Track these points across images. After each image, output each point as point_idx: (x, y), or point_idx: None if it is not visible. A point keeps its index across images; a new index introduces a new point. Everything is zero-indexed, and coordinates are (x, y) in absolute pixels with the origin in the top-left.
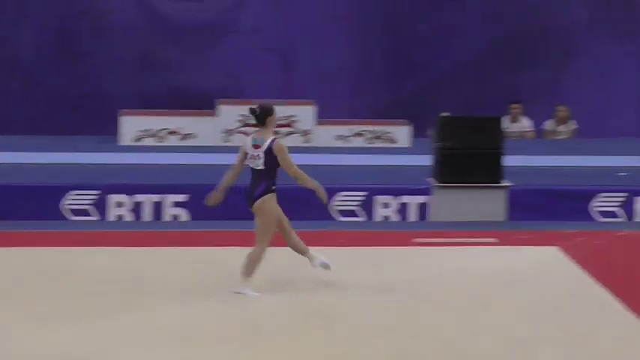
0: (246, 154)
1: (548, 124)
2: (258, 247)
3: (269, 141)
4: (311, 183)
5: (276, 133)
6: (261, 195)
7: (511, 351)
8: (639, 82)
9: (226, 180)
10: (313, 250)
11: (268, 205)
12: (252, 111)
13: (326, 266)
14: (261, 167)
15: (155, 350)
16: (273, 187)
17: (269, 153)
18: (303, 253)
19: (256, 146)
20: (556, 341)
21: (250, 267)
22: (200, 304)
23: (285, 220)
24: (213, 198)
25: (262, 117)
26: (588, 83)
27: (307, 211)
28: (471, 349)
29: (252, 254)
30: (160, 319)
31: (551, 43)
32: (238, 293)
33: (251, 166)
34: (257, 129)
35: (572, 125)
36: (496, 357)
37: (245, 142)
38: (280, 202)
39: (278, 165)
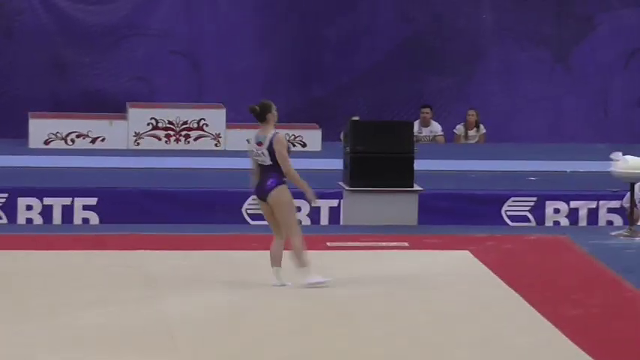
0: (252, 151)
1: (459, 129)
2: (293, 237)
3: (270, 136)
4: (301, 183)
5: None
6: (274, 187)
7: (426, 353)
8: (547, 87)
9: (253, 185)
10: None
11: (283, 194)
12: (253, 110)
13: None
14: (268, 163)
15: (67, 355)
16: (284, 179)
17: (271, 148)
18: (276, 263)
19: (259, 144)
20: (469, 344)
21: (300, 258)
22: (116, 308)
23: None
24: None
25: (262, 114)
26: (497, 88)
27: (218, 214)
28: (382, 352)
29: (294, 248)
30: (73, 324)
31: (461, 48)
32: (312, 286)
33: (259, 162)
34: (259, 128)
35: (482, 130)
36: (412, 359)
37: (250, 143)
38: (193, 205)
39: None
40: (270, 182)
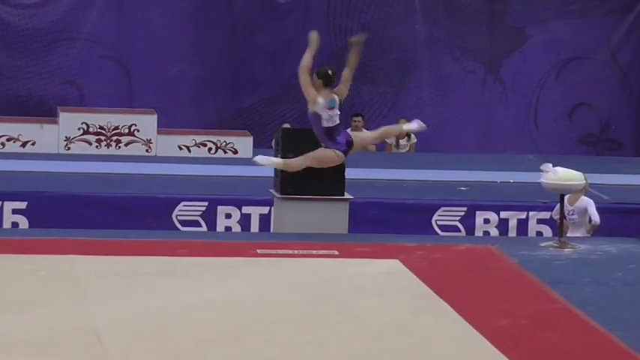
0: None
1: (390, 138)
2: (305, 158)
3: (338, 99)
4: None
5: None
6: (349, 135)
7: None
8: (478, 97)
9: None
10: None
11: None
12: (334, 72)
13: None
14: (339, 121)
15: None
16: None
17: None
18: None
19: (333, 108)
20: (396, 353)
21: (287, 164)
22: (43, 313)
23: None
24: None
25: (332, 79)
26: (428, 98)
27: (149, 220)
28: (311, 359)
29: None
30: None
31: (393, 58)
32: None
33: (329, 125)
34: (322, 94)
35: (413, 139)
36: None
37: (319, 104)
38: (123, 210)
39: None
40: (346, 134)
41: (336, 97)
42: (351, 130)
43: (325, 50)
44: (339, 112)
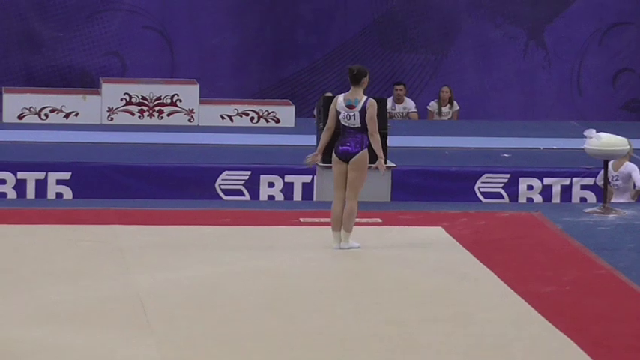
0: (337, 114)
1: (432, 105)
2: (352, 201)
3: (363, 100)
4: (380, 147)
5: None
6: (360, 150)
7: (393, 331)
8: (521, 64)
9: (323, 142)
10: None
11: (365, 159)
12: (351, 70)
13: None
14: (357, 125)
15: (40, 329)
16: (367, 144)
17: (364, 111)
18: (338, 226)
19: (351, 106)
20: (440, 321)
21: (350, 222)
22: (88, 283)
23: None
24: (312, 159)
25: (359, 77)
26: (470, 65)
27: (192, 189)
28: (352, 329)
29: (348, 210)
30: (46, 298)
31: (434, 25)
32: (346, 248)
33: (345, 125)
34: (349, 91)
35: (456, 107)
36: (379, 337)
37: (335, 103)
38: (166, 180)
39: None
40: (357, 145)
41: (359, 98)
42: (393, 98)
43: (367, 16)
44: (356, 115)
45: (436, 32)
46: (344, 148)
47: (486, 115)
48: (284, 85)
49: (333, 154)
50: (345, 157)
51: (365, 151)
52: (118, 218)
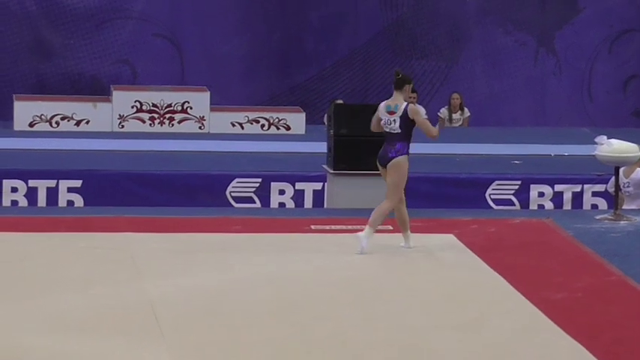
0: (379, 120)
1: (443, 112)
2: (387, 201)
3: (403, 106)
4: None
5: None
6: (397, 157)
7: (403, 338)
8: (531, 70)
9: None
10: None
11: (404, 163)
12: (396, 74)
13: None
14: (397, 131)
15: (50, 337)
16: (408, 149)
17: (404, 117)
18: (404, 229)
19: (391, 112)
20: (451, 328)
21: (378, 219)
22: (99, 291)
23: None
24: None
25: (402, 82)
26: (480, 71)
27: (202, 197)
28: (363, 336)
29: (380, 207)
30: (57, 306)
31: (444, 32)
32: (358, 239)
33: (387, 130)
34: (390, 97)
35: (466, 113)
36: (389, 344)
37: (379, 109)
38: (177, 188)
39: (412, 127)
40: (395, 151)
41: (399, 104)
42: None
43: (377, 23)
44: (396, 120)
45: (446, 39)
46: (383, 153)
47: (497, 122)
48: (294, 92)
49: (377, 162)
50: (383, 162)
51: (402, 157)
52: (129, 226)
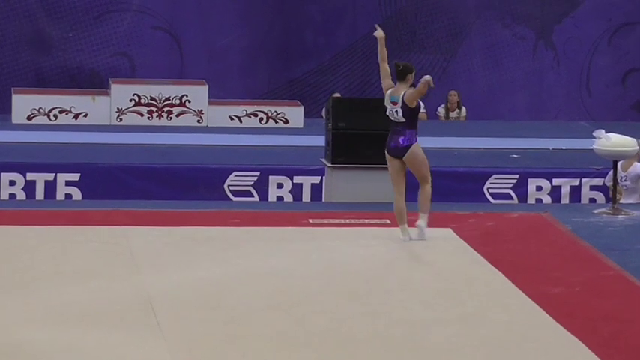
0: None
1: (440, 111)
2: (426, 185)
3: (402, 95)
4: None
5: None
6: (410, 144)
7: (402, 332)
8: (529, 64)
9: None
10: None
11: (417, 149)
12: (397, 66)
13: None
14: (401, 120)
15: (48, 330)
16: (416, 137)
17: (405, 105)
18: (403, 220)
19: (394, 103)
20: (448, 322)
21: (426, 203)
22: (97, 284)
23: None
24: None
25: (404, 72)
26: (479, 65)
27: (201, 190)
28: (361, 329)
29: (423, 193)
30: (55, 299)
31: (443, 26)
32: (423, 227)
33: (392, 119)
34: (394, 87)
35: (463, 112)
36: (386, 338)
37: (386, 97)
38: (175, 181)
39: (417, 114)
40: (405, 140)
41: (401, 93)
42: None
43: (375, 17)
44: (398, 111)
45: (445, 33)
46: (394, 144)
47: (495, 116)
48: (293, 85)
49: (386, 153)
50: (396, 153)
51: (415, 145)
52: (127, 219)
